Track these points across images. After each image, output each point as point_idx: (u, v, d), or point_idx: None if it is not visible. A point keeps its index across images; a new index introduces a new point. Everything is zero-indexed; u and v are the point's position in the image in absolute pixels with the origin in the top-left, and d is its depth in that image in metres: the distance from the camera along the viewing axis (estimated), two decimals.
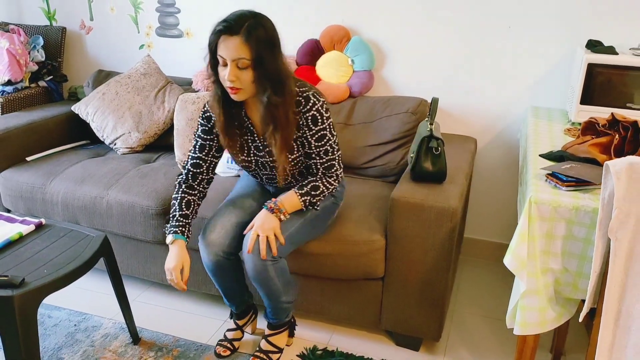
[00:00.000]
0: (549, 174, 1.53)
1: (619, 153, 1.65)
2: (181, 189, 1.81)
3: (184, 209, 1.78)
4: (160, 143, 2.63)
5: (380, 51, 2.57)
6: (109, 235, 2.08)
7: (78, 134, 2.73)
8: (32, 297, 1.52)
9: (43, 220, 1.89)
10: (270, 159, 1.77)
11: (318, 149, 1.73)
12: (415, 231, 1.85)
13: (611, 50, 2.04)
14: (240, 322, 2.03)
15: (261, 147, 1.77)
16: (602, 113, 2.01)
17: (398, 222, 1.86)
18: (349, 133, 2.43)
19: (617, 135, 1.64)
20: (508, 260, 1.45)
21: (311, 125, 1.70)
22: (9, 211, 2.41)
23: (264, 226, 1.70)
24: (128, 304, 1.95)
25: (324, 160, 1.76)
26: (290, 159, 1.75)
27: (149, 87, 2.64)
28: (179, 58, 2.89)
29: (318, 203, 1.78)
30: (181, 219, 1.77)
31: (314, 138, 1.71)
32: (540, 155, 1.73)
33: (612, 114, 1.68)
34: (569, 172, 1.51)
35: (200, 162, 1.82)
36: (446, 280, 1.89)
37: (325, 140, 1.73)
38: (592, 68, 2.01)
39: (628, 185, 1.27)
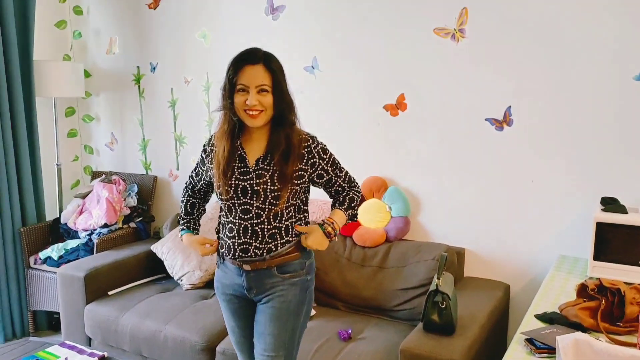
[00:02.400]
0: (526, 339, 1.63)
1: (607, 317, 1.70)
2: (187, 194, 2.03)
3: (189, 210, 2.02)
4: None
5: (415, 199, 2.81)
6: None
7: (155, 268, 3.16)
8: None
9: (105, 354, 2.25)
10: (257, 181, 1.77)
11: (335, 171, 1.87)
12: None
13: (621, 210, 2.12)
14: None
15: (248, 172, 1.79)
16: (614, 270, 2.08)
17: None
18: (383, 276, 2.63)
19: (604, 300, 1.71)
20: None
21: (322, 155, 1.84)
22: (90, 339, 2.82)
23: (316, 246, 1.84)
24: None
25: (343, 176, 1.91)
26: (290, 190, 1.79)
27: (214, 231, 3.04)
28: None
29: (356, 214, 1.95)
30: (186, 217, 2.01)
31: (328, 164, 1.85)
32: (535, 316, 1.82)
33: (599, 279, 1.75)
34: (546, 338, 1.60)
35: (194, 183, 2.01)
36: None
37: (336, 164, 1.89)
38: (601, 226, 2.10)
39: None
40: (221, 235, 1.90)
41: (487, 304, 2.33)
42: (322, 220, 1.87)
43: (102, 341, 2.75)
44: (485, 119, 2.59)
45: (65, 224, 3.40)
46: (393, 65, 2.77)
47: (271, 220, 1.80)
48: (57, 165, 3.58)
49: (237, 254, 1.82)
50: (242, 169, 1.80)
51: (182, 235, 2.00)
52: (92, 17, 3.66)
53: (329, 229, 1.85)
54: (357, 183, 1.98)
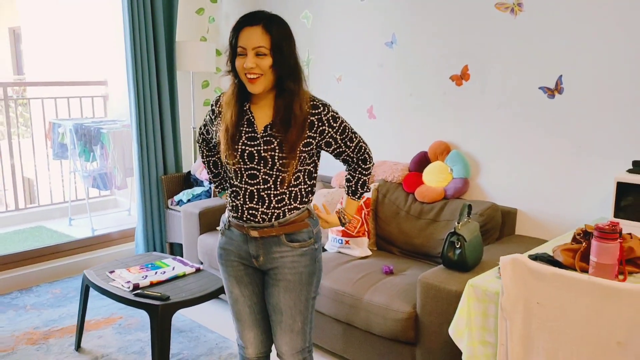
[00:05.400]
0: (498, 267, 1.90)
1: (586, 259, 1.90)
2: (204, 153, 2.05)
3: (213, 169, 2.07)
4: None
5: (475, 162, 3.07)
6: None
7: None
8: (169, 307, 2.49)
9: (201, 267, 2.91)
10: (264, 147, 1.75)
11: (344, 140, 1.84)
12: (435, 307, 2.29)
13: None
14: None
15: (256, 137, 1.77)
16: (632, 227, 2.21)
17: (422, 299, 2.34)
18: (434, 227, 2.95)
19: (585, 243, 1.91)
20: (450, 330, 1.87)
21: (332, 124, 1.79)
22: (201, 263, 3.55)
23: (327, 224, 1.98)
24: None
25: (353, 146, 1.88)
26: (298, 159, 1.78)
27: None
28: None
29: (368, 187, 2.02)
30: (215, 179, 2.09)
31: (337, 133, 1.81)
32: (528, 256, 2.06)
33: (585, 225, 1.94)
34: None
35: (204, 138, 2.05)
36: None
37: (347, 131, 1.84)
38: (621, 186, 2.23)
39: (513, 275, 1.64)
40: (228, 199, 1.90)
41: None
42: (343, 217, 2.01)
43: (209, 265, 3.45)
44: (539, 88, 2.76)
45: (194, 174, 4.19)
46: (459, 39, 3.04)
47: (278, 186, 1.78)
48: (193, 128, 4.39)
49: (244, 217, 1.82)
50: (249, 134, 1.77)
51: (220, 196, 2.14)
52: (224, 4, 4.39)
53: (340, 216, 2.01)
54: (368, 153, 1.93)
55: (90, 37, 5.89)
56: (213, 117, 1.89)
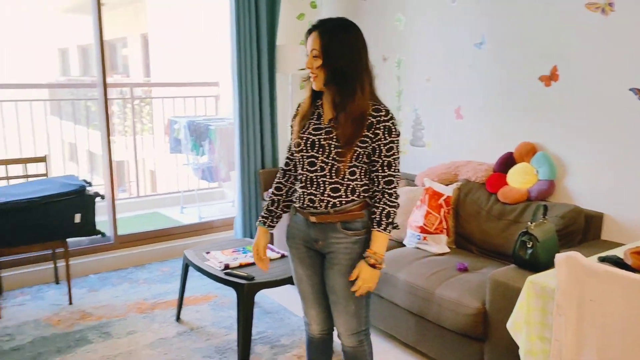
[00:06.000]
0: None
1: None
2: (272, 190, 2.17)
3: (270, 206, 2.17)
4: None
5: (561, 164, 3.01)
6: None
7: None
8: (254, 287, 2.74)
9: (286, 253, 3.14)
10: (325, 136, 1.91)
11: (384, 159, 1.89)
12: (504, 305, 2.32)
13: None
14: None
15: (321, 128, 1.94)
16: None
17: (491, 295, 2.38)
18: (515, 229, 2.93)
19: None
20: (508, 325, 1.91)
21: (386, 135, 1.87)
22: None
23: (369, 283, 1.93)
24: None
25: (386, 173, 1.90)
26: (352, 153, 1.88)
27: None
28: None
29: (395, 222, 1.94)
30: (266, 213, 2.17)
31: (385, 147, 1.88)
32: (598, 258, 2.04)
33: None
34: None
35: (289, 160, 2.15)
36: None
37: (392, 152, 1.89)
38: None
39: (568, 272, 1.67)
40: (295, 187, 2.08)
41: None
42: (374, 259, 1.91)
43: None
44: (629, 89, 2.67)
45: None
46: (548, 39, 3.00)
47: (333, 175, 1.91)
48: (290, 126, 4.65)
49: (304, 203, 1.98)
50: (316, 125, 1.96)
51: (257, 226, 2.20)
52: (324, 9, 4.61)
53: (372, 260, 1.91)
54: (395, 189, 1.93)
55: (205, 42, 6.42)
56: (292, 123, 2.09)
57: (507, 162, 3.22)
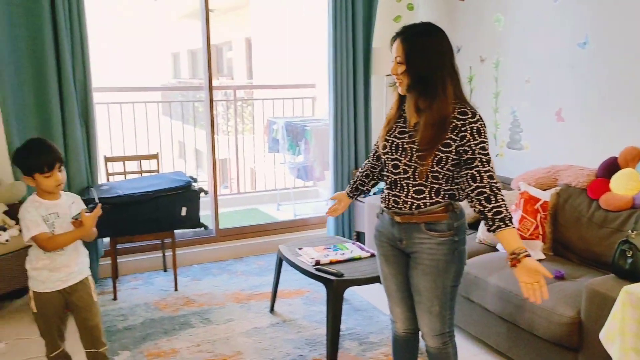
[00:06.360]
0: None
1: None
2: (368, 160, 2.32)
3: (361, 179, 2.35)
4: None
5: None
6: None
7: None
8: (342, 283, 2.83)
9: (374, 252, 3.20)
10: (408, 140, 1.94)
11: (481, 157, 1.87)
12: (601, 315, 2.23)
13: None
14: None
15: (405, 131, 1.97)
16: None
17: (587, 305, 2.30)
18: (618, 237, 2.74)
19: None
20: (601, 335, 1.85)
21: (476, 136, 1.87)
22: None
23: (533, 279, 1.81)
24: None
25: (487, 168, 1.87)
26: (434, 158, 1.89)
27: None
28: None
29: (511, 215, 1.87)
30: (353, 184, 2.38)
31: (478, 147, 1.87)
32: None
33: None
34: None
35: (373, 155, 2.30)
36: None
37: (485, 151, 1.88)
38: None
39: None
40: (382, 187, 2.16)
41: None
42: (511, 258, 1.84)
43: None
44: None
45: None
46: None
47: (417, 177, 1.94)
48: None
49: (390, 204, 2.04)
50: (401, 129, 2.00)
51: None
52: (421, 11, 4.62)
53: (515, 262, 1.83)
54: (497, 186, 1.87)
55: (304, 45, 6.62)
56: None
57: (611, 167, 3.06)
